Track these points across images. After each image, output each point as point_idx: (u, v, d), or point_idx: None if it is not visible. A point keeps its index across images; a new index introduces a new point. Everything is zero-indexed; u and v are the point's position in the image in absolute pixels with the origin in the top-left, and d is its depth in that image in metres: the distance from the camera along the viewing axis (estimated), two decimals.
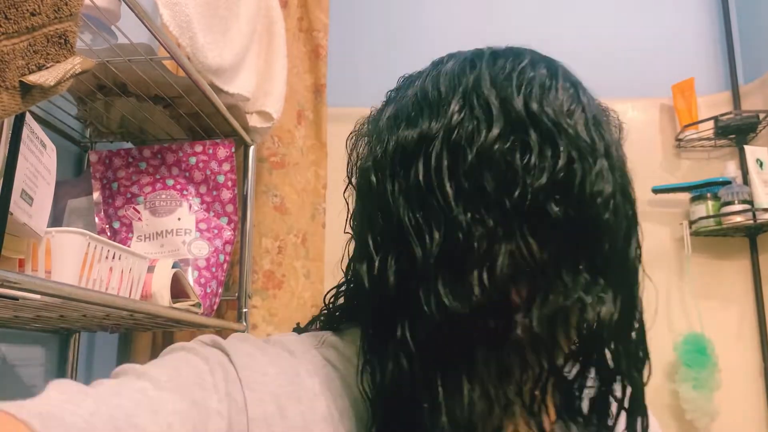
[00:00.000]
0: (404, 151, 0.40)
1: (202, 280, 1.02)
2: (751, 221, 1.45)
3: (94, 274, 0.75)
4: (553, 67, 0.43)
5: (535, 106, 0.39)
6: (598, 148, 0.40)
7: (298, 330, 0.49)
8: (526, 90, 0.40)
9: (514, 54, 0.43)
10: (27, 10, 0.44)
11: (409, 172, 0.39)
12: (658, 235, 1.61)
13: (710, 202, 1.52)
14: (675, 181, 1.61)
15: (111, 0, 0.83)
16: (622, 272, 0.39)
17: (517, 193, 0.37)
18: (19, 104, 0.44)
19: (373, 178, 0.41)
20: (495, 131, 0.38)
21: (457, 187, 0.38)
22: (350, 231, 0.46)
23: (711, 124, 1.56)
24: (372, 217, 0.41)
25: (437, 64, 0.45)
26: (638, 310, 0.40)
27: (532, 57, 0.43)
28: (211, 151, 1.10)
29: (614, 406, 0.41)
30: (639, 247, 0.41)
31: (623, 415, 0.41)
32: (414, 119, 0.41)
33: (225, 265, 1.09)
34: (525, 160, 0.37)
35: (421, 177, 0.39)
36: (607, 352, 0.40)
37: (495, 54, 0.43)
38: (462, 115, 0.39)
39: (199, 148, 1.10)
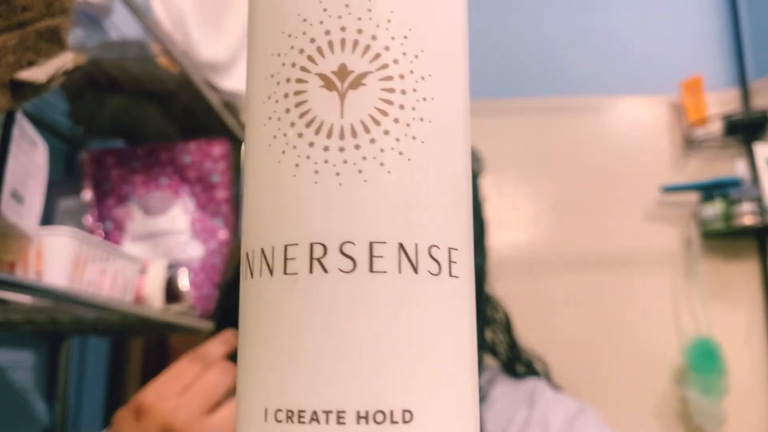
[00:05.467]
0: None
1: (197, 282, 1.01)
2: (761, 222, 1.44)
3: (86, 275, 0.73)
4: None
5: None
6: None
7: None
8: None
9: None
10: (18, 5, 0.43)
11: None
12: (666, 236, 1.60)
13: (719, 203, 1.50)
14: (683, 180, 1.60)
15: None
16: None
17: None
18: (9, 102, 0.42)
19: None
20: None
21: None
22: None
23: (720, 121, 1.55)
24: None
25: None
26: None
27: None
28: (205, 149, 1.08)
29: None
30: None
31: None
32: None
33: (220, 267, 1.07)
34: None
35: None
36: None
37: None
38: None
39: (193, 147, 1.08)
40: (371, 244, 0.16)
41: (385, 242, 0.16)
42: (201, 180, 1.08)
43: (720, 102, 1.62)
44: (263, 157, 0.18)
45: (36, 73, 0.43)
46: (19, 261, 0.65)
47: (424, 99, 0.17)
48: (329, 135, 0.17)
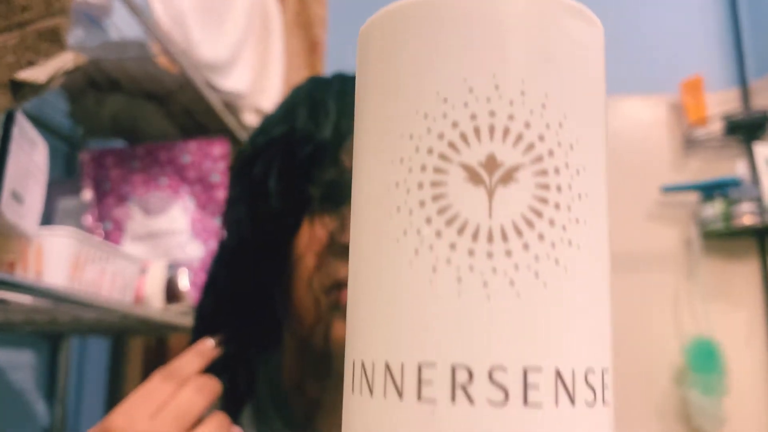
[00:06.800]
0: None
1: (197, 282, 1.01)
2: (761, 222, 1.44)
3: (86, 275, 0.73)
4: None
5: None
6: None
7: None
8: None
9: None
10: (18, 5, 0.43)
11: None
12: (666, 236, 1.60)
13: (719, 203, 1.50)
14: (683, 180, 1.60)
15: None
16: None
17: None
18: (9, 101, 0.42)
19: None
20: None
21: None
22: None
23: (720, 121, 1.55)
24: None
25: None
26: None
27: None
28: (205, 149, 1.08)
29: None
30: None
31: None
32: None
33: None
34: None
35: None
36: None
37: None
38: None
39: (192, 147, 1.08)
40: (525, 371, 0.14)
41: (540, 369, 0.14)
42: (201, 180, 1.08)
43: (720, 102, 1.62)
44: (388, 253, 0.15)
45: (36, 73, 0.43)
46: (18, 261, 0.65)
47: (579, 197, 0.15)
48: (475, 237, 0.14)
